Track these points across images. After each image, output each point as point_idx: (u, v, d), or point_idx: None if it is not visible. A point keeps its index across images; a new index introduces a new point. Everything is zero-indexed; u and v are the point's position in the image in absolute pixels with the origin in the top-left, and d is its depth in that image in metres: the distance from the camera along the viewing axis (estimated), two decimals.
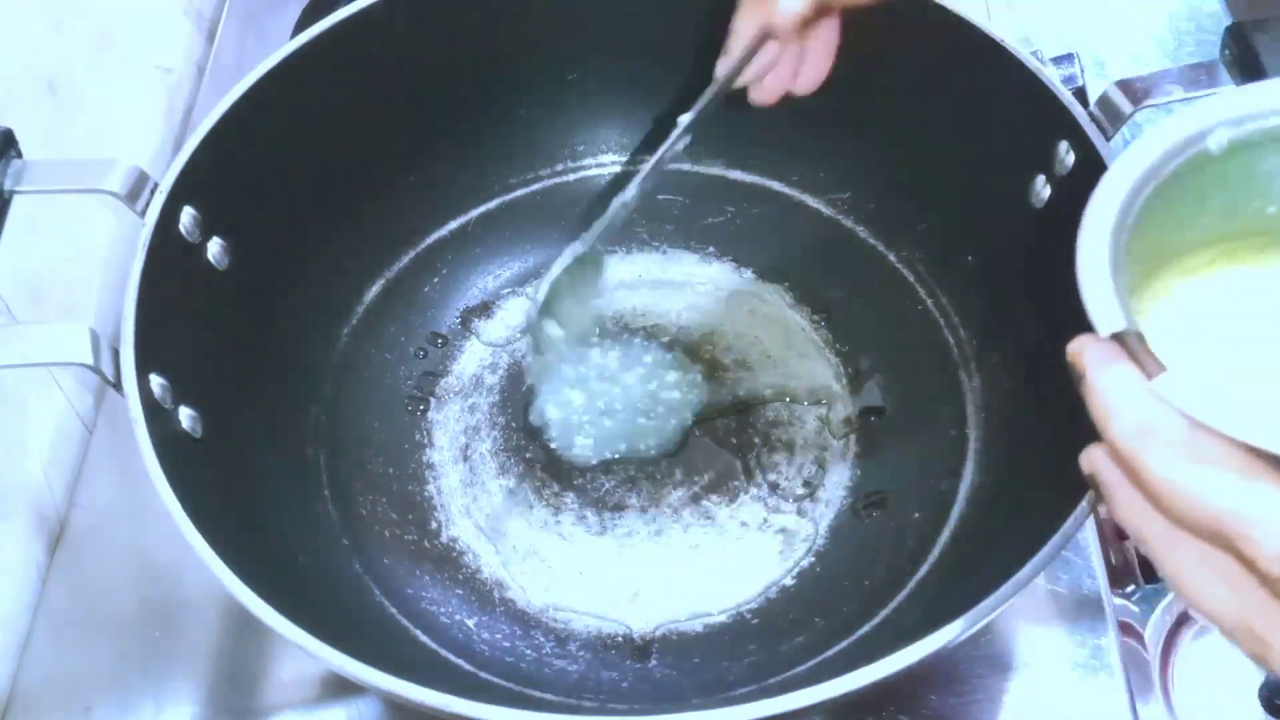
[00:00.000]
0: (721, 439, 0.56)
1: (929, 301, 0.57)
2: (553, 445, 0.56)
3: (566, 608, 0.51)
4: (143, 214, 0.46)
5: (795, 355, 0.58)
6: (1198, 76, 0.45)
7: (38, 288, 0.58)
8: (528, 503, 0.55)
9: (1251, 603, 0.26)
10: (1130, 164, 0.32)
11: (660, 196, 0.63)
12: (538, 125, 0.61)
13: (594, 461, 0.55)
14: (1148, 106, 0.45)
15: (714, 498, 0.54)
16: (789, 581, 0.52)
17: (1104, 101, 0.46)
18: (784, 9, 0.44)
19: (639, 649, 0.50)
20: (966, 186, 0.54)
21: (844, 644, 0.47)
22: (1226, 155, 0.33)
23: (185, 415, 0.45)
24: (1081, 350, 0.29)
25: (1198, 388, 0.27)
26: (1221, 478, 0.26)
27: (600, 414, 0.57)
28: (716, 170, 0.62)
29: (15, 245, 0.45)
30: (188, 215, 0.47)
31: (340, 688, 0.51)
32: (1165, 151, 0.32)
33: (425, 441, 0.57)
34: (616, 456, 0.55)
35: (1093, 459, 0.30)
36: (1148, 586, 0.57)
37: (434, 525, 0.54)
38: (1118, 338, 0.28)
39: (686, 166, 0.63)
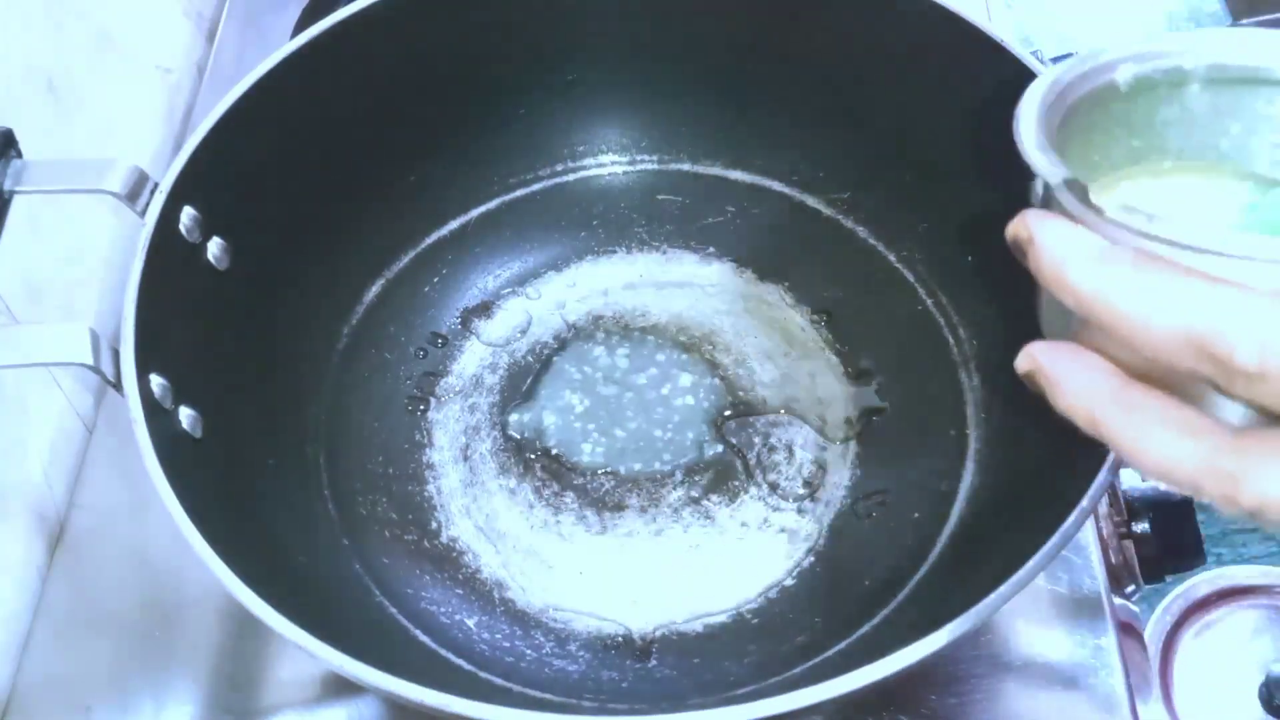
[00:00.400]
0: (721, 438, 0.56)
1: (929, 301, 0.57)
2: (554, 451, 0.56)
3: (566, 608, 0.51)
4: (143, 214, 0.46)
5: (795, 355, 0.58)
6: None
7: (38, 288, 0.58)
8: (528, 503, 0.55)
9: (1217, 441, 0.26)
10: (1052, 78, 0.33)
11: (660, 196, 0.63)
12: (538, 125, 0.61)
13: (604, 469, 0.55)
14: None
15: (714, 498, 0.54)
16: (789, 581, 0.52)
17: None
18: None
19: (639, 649, 0.50)
20: (966, 187, 0.54)
21: (844, 644, 0.47)
22: (1132, 93, 0.34)
23: (185, 415, 0.45)
24: (1021, 220, 0.29)
25: (1141, 211, 0.27)
26: (1188, 288, 0.26)
27: (610, 423, 0.57)
28: (716, 170, 0.62)
29: (15, 245, 0.46)
30: (188, 215, 0.47)
31: (340, 688, 0.51)
32: (1082, 73, 0.33)
33: (425, 441, 0.57)
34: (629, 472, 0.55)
35: (1031, 353, 0.29)
36: (1148, 586, 0.57)
37: (434, 525, 0.54)
38: (1057, 196, 0.29)
39: (686, 166, 0.63)
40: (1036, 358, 0.29)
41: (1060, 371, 0.28)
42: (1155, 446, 0.27)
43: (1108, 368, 0.28)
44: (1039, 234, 0.28)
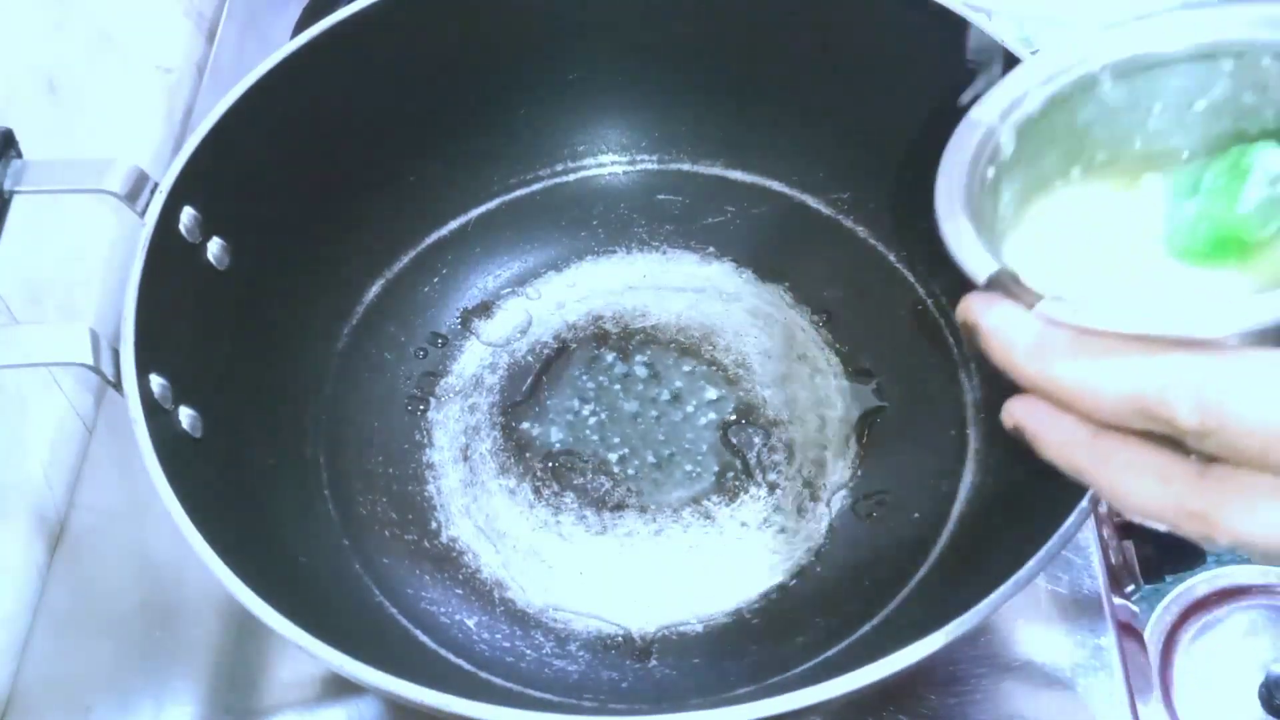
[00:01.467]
0: (722, 438, 0.56)
1: (929, 301, 0.57)
2: (558, 456, 0.56)
3: (566, 608, 0.51)
4: (143, 214, 0.46)
5: (795, 355, 0.58)
6: None
7: (38, 288, 0.58)
8: (528, 503, 0.55)
9: (1185, 486, 0.27)
10: (966, 135, 0.36)
11: (660, 196, 0.63)
12: (538, 125, 0.61)
13: (603, 469, 0.55)
14: None
15: (714, 498, 0.54)
16: (789, 581, 0.52)
17: None
18: None
19: (639, 649, 0.50)
20: None
21: (844, 644, 0.47)
22: (1047, 112, 0.35)
23: (185, 415, 0.45)
24: (967, 307, 0.31)
25: (1075, 301, 0.29)
26: (1125, 361, 0.27)
27: (612, 425, 0.56)
28: (716, 170, 0.63)
29: (15, 245, 0.46)
30: (188, 215, 0.47)
31: (340, 688, 0.51)
32: (999, 114, 0.35)
33: (425, 441, 0.57)
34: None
35: (1011, 411, 0.31)
36: (1147, 586, 0.57)
37: (434, 525, 0.54)
38: (994, 284, 0.30)
39: (686, 166, 0.63)
40: (1015, 415, 0.31)
41: (1038, 427, 0.30)
42: (1132, 492, 0.28)
43: (1079, 419, 0.30)
44: (982, 322, 0.30)
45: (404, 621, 0.49)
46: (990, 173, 0.35)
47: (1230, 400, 0.26)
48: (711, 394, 0.57)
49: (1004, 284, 0.30)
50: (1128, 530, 0.56)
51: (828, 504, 0.54)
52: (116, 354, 0.43)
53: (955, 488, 0.51)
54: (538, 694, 0.47)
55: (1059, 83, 0.35)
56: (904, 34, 0.53)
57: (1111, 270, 0.34)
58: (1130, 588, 0.56)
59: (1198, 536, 0.28)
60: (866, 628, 0.48)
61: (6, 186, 0.44)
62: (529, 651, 0.50)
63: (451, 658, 0.48)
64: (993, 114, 0.36)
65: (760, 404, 0.57)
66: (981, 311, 0.30)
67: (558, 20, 0.57)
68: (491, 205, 0.62)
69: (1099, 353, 0.28)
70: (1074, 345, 0.28)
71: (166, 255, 0.46)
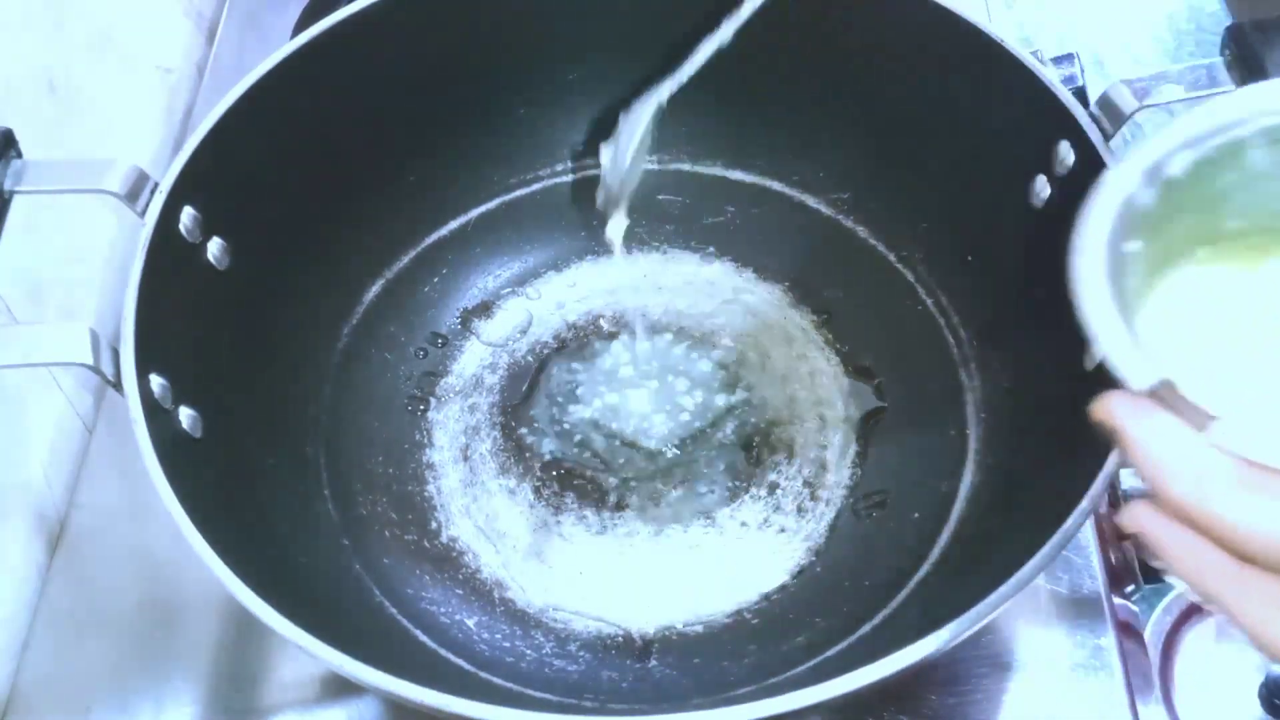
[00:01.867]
0: (721, 438, 0.56)
1: (929, 301, 0.57)
2: (557, 458, 0.56)
3: (566, 608, 0.51)
4: (143, 214, 0.46)
5: (795, 355, 0.58)
6: (1198, 77, 0.45)
7: (38, 288, 0.58)
8: (528, 503, 0.55)
9: None
10: (1106, 204, 0.32)
11: (660, 196, 0.63)
12: (538, 125, 0.61)
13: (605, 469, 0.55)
14: (1148, 107, 0.45)
15: (714, 498, 0.54)
16: (789, 581, 0.52)
17: (1104, 101, 0.46)
18: None
19: (639, 649, 0.50)
20: (967, 186, 0.54)
21: (844, 644, 0.47)
22: (1192, 177, 0.33)
23: (185, 415, 0.45)
24: (1111, 409, 0.28)
25: (1245, 428, 0.26)
26: None
27: (613, 425, 0.56)
28: (716, 170, 0.62)
29: (15, 245, 0.46)
30: (188, 215, 0.47)
31: (340, 688, 0.51)
32: (1140, 179, 0.33)
33: (425, 441, 0.57)
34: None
35: (1138, 517, 0.29)
36: (1148, 586, 0.57)
37: (434, 525, 0.54)
38: (1154, 395, 0.28)
39: (686, 166, 0.63)
40: (1144, 525, 0.28)
41: (1173, 548, 0.28)
42: (1274, 628, 0.26)
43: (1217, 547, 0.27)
44: (1133, 433, 0.27)
45: (404, 621, 0.49)
46: (1131, 248, 0.32)
47: None
48: (711, 394, 0.57)
49: (1165, 397, 0.27)
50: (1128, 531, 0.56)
51: (828, 504, 0.54)
52: (116, 354, 0.43)
53: (955, 488, 0.51)
54: (538, 694, 0.47)
55: (1206, 145, 0.33)
56: (904, 34, 0.53)
57: (1244, 359, 0.32)
58: (1130, 588, 0.56)
59: None
60: (866, 628, 0.48)
61: (6, 186, 0.44)
62: (529, 651, 0.50)
63: (451, 658, 0.48)
64: (1134, 176, 0.33)
65: (760, 404, 0.57)
66: (1131, 418, 0.27)
67: (557, 20, 0.57)
68: (491, 205, 0.62)
69: (1270, 492, 0.25)
70: (1246, 480, 0.26)
71: (166, 255, 0.46)
